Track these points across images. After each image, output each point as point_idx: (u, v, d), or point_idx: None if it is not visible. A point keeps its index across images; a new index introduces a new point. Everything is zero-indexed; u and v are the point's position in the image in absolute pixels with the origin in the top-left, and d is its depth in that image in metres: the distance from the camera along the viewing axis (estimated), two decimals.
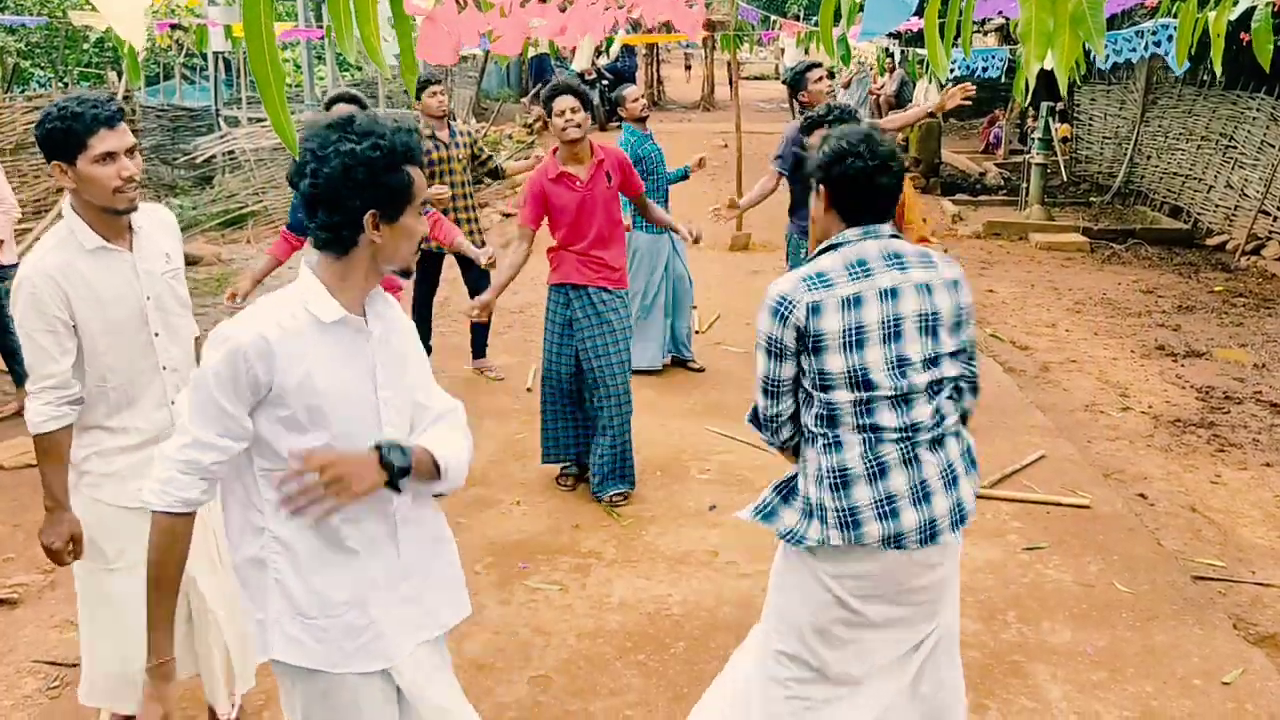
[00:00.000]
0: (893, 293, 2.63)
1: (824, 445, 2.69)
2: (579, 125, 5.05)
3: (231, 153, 13.66)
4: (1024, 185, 13.44)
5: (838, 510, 2.66)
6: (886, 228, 2.70)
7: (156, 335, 3.03)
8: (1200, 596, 4.47)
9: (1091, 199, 14.44)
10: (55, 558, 2.99)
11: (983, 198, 14.70)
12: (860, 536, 2.65)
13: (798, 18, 20.30)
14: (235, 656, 3.30)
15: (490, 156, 7.16)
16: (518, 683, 3.83)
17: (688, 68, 35.82)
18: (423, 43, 5.05)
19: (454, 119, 6.82)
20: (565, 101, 5.05)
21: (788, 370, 2.69)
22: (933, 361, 2.66)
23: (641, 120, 7.13)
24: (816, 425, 2.70)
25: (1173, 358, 7.93)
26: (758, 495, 2.96)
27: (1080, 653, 4.03)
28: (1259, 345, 8.24)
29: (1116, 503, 5.35)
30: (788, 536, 2.78)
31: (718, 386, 7.08)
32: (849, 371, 2.61)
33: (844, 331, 2.60)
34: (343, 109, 4.67)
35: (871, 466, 2.65)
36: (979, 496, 5.30)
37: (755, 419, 2.86)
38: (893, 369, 2.62)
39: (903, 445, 2.64)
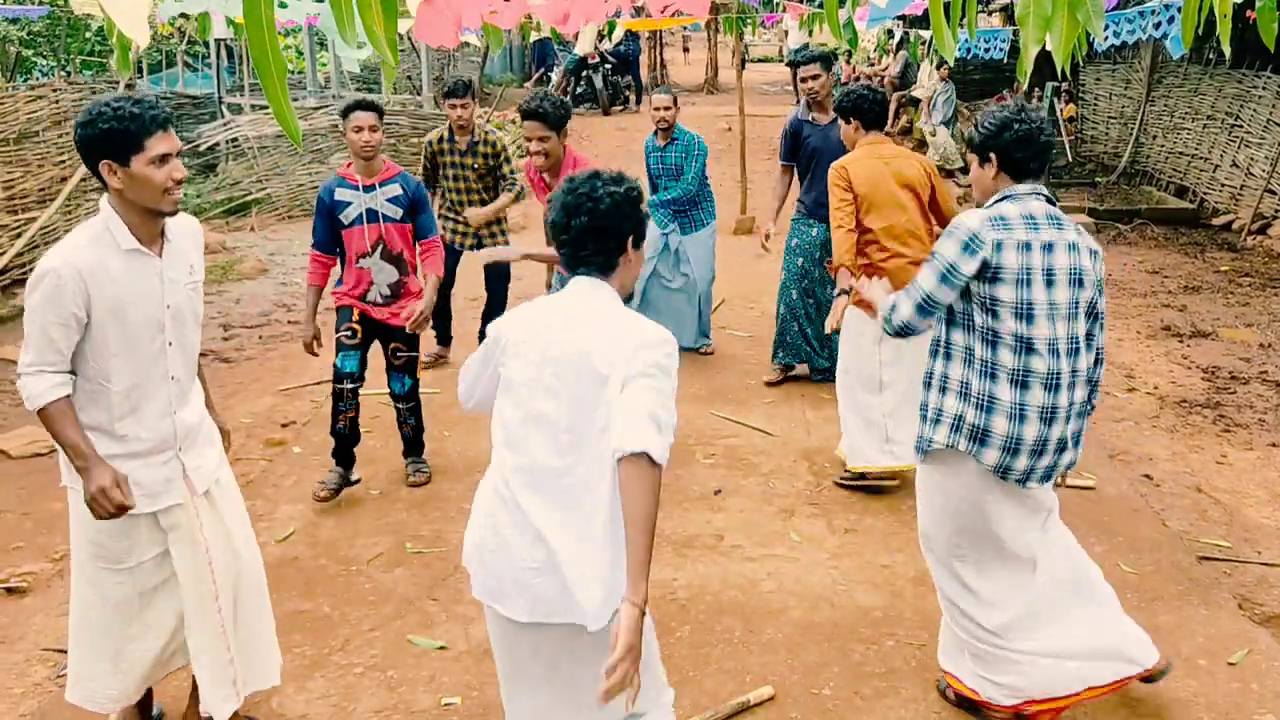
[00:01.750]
0: (1049, 247, 3.17)
1: (980, 371, 3.21)
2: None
3: (235, 140, 13.65)
4: None
5: (973, 425, 3.22)
6: (1044, 189, 3.28)
7: (170, 345, 3.03)
8: (1206, 577, 4.47)
9: (1097, 179, 14.38)
10: (116, 505, 2.87)
11: None
12: (981, 454, 3.21)
13: (801, 0, 20.21)
14: (239, 652, 3.24)
15: (508, 175, 6.77)
16: None
17: (686, 50, 35.65)
18: (421, 25, 5.00)
19: (476, 130, 6.65)
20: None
21: (949, 297, 3.22)
22: (1076, 311, 3.20)
23: (662, 131, 6.96)
24: (981, 350, 3.21)
25: (1179, 338, 7.92)
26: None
27: None
28: (1265, 325, 8.22)
29: (1122, 483, 5.35)
30: (919, 445, 3.37)
31: (723, 371, 7.08)
32: (1016, 303, 3.14)
33: (1018, 269, 3.14)
34: (361, 117, 4.87)
35: (1015, 409, 3.17)
36: None
37: (897, 315, 3.33)
38: (1049, 312, 3.15)
39: (1047, 394, 3.16)
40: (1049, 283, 3.15)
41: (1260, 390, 6.78)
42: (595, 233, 2.57)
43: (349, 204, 4.99)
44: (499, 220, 6.86)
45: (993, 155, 3.28)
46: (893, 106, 19.12)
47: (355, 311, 5.10)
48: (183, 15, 7.62)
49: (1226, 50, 2.50)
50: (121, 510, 2.89)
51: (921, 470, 3.47)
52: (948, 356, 3.31)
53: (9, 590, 4.45)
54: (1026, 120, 3.23)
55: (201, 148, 14.01)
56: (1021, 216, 3.18)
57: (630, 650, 2.19)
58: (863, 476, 5.20)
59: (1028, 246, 3.15)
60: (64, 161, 9.61)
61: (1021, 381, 3.16)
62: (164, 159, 2.85)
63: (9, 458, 5.82)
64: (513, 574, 2.54)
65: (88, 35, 16.28)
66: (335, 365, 5.07)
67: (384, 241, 5.04)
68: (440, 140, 6.72)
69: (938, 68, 15.06)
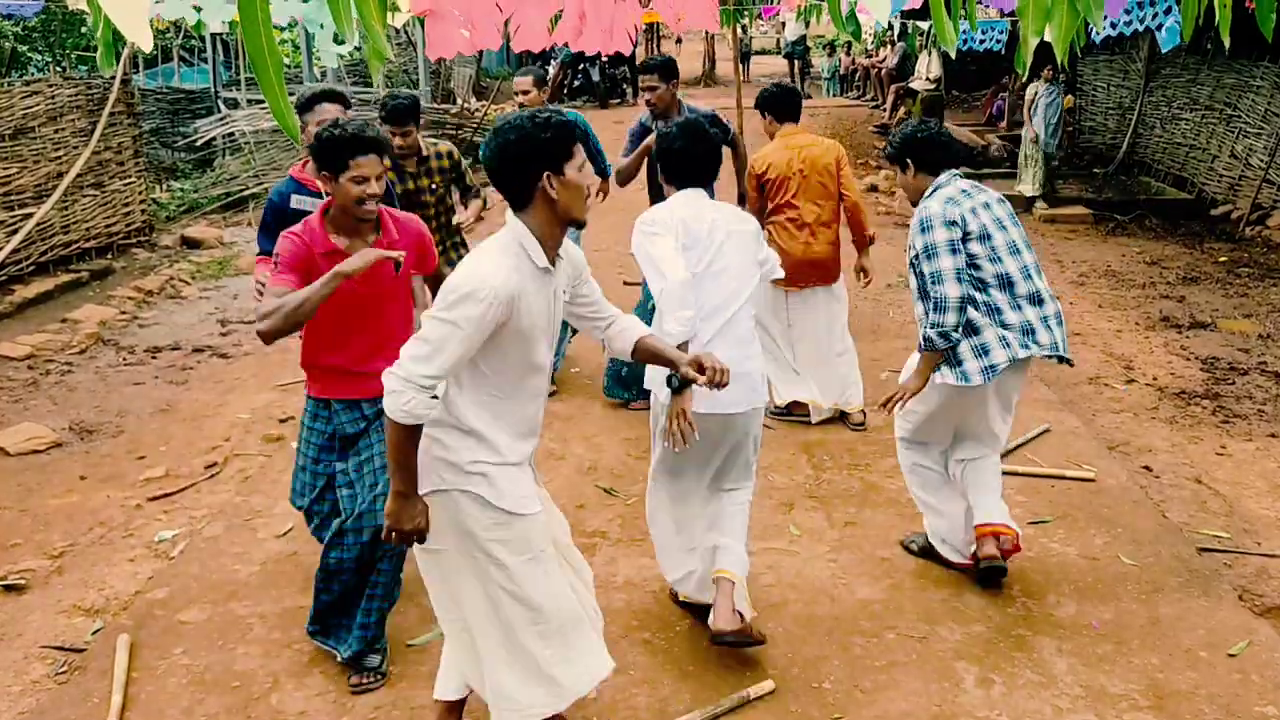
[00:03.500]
0: (986, 205, 4.10)
1: (986, 312, 4.04)
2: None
3: (231, 135, 13.62)
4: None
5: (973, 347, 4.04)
6: (957, 171, 4.19)
7: (540, 366, 2.91)
8: (1206, 568, 4.47)
9: (1095, 170, 14.37)
10: (412, 536, 2.86)
11: (985, 170, 14.62)
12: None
13: None
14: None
15: (473, 184, 5.97)
16: None
17: (678, 41, 35.59)
18: (432, 42, 4.88)
19: (424, 147, 5.63)
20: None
21: (962, 262, 3.97)
22: (1025, 246, 4.10)
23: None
24: (979, 297, 4.04)
25: (1177, 329, 7.91)
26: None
27: (1086, 626, 4.04)
28: (1264, 316, 8.22)
29: (1121, 475, 5.35)
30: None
31: None
32: (989, 254, 4.01)
33: (978, 229, 4.01)
34: (327, 109, 4.22)
35: (1023, 324, 4.04)
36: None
37: (941, 318, 3.98)
38: (1010, 251, 4.04)
39: (1034, 306, 4.06)
40: (1000, 229, 4.06)
41: (1259, 381, 6.78)
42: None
43: (307, 214, 3.94)
44: (457, 230, 5.92)
45: (909, 160, 4.21)
46: (890, 98, 19.10)
47: None
48: (195, 8, 7.56)
49: (1226, 41, 2.48)
50: (419, 534, 2.88)
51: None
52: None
53: (7, 588, 4.44)
54: (925, 128, 4.22)
55: (198, 143, 13.99)
56: (959, 192, 4.09)
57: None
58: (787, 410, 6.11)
59: (974, 211, 4.04)
60: (60, 157, 9.58)
61: (1015, 306, 4.03)
62: (583, 165, 2.85)
63: (6, 454, 5.81)
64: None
65: (83, 30, 16.22)
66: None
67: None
68: (397, 169, 5.57)
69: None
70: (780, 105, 5.88)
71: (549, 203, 2.79)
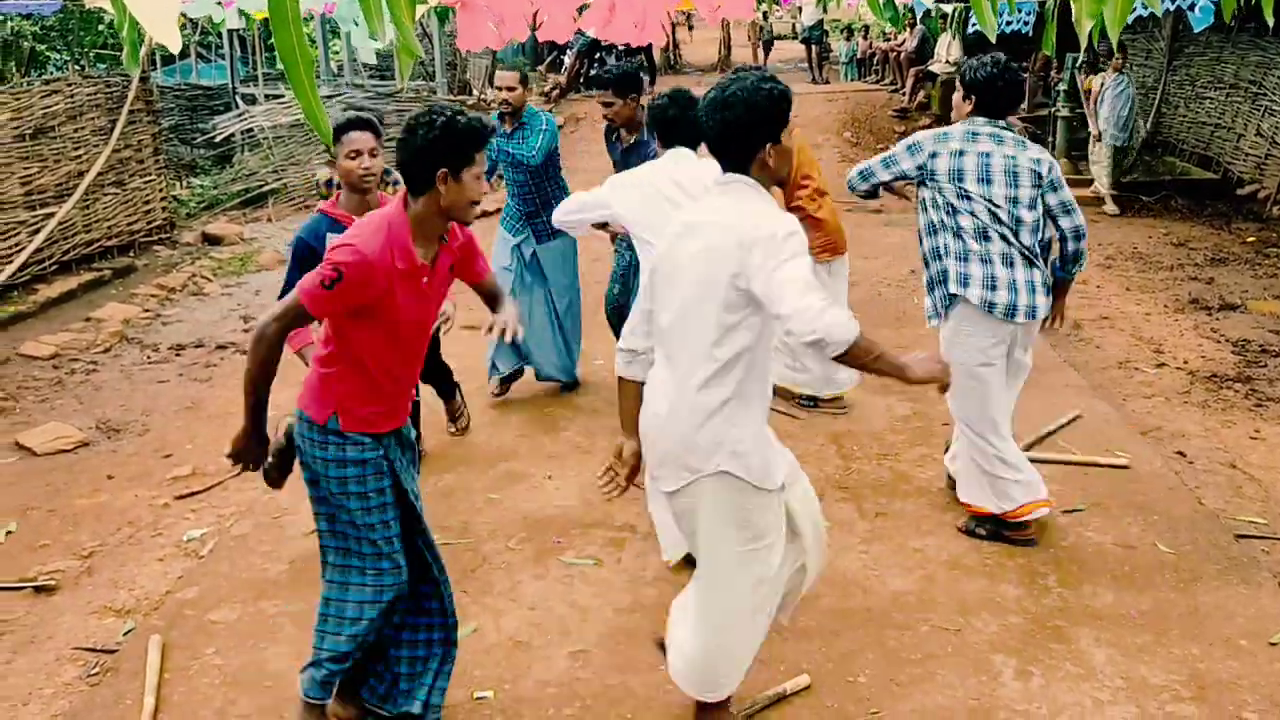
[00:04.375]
0: (985, 154, 4.25)
1: (957, 256, 4.32)
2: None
3: (250, 131, 13.63)
4: (1049, 139, 13.24)
5: (957, 274, 4.33)
6: (1002, 123, 4.35)
7: None
8: (1244, 555, 4.40)
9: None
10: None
11: None
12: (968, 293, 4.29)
13: None
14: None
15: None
16: (556, 658, 3.82)
17: (690, 28, 35.40)
18: (462, 34, 4.84)
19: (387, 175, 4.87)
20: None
21: (881, 175, 4.50)
22: (1014, 203, 4.23)
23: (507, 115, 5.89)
24: (954, 244, 4.33)
25: (1207, 311, 7.82)
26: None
27: (1124, 615, 3.98)
28: None
29: (1155, 461, 5.28)
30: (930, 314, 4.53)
31: None
32: (965, 196, 4.26)
33: (949, 170, 4.27)
34: (355, 138, 3.89)
35: (987, 279, 4.26)
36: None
37: (860, 171, 4.58)
38: (987, 204, 4.23)
39: (1006, 269, 4.26)
40: (985, 181, 4.22)
41: None
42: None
43: None
44: None
45: (973, 96, 4.34)
46: (910, 81, 18.95)
47: None
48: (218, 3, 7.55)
49: (1270, 19, 2.41)
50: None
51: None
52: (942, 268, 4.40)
53: (37, 589, 4.44)
54: (1007, 77, 4.33)
55: (217, 139, 14.00)
56: (964, 134, 4.30)
57: None
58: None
59: (961, 153, 4.26)
60: (80, 156, 9.60)
61: (984, 258, 4.26)
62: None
63: (34, 454, 5.82)
64: None
65: (100, 29, 16.26)
66: None
67: None
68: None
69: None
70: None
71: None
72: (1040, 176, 4.25)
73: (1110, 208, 11.42)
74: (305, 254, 3.98)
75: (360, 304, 2.90)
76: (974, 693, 3.57)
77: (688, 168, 4.26)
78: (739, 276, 2.79)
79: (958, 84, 4.46)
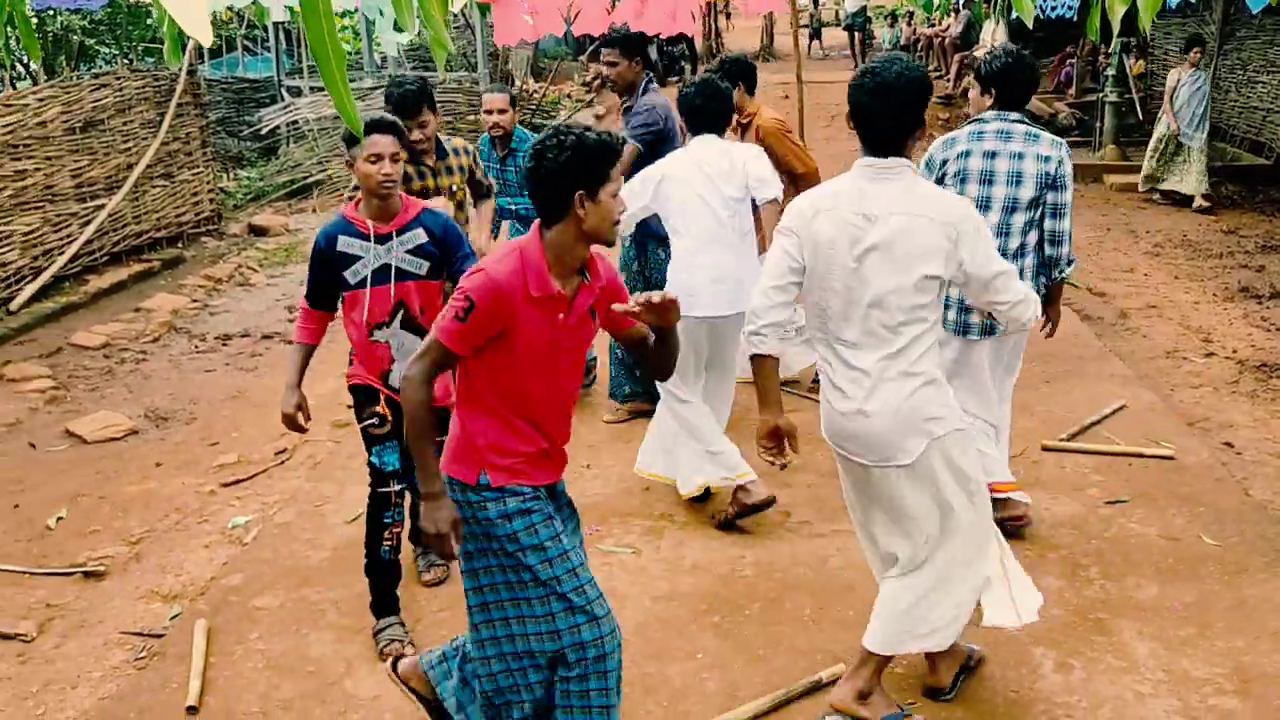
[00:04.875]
0: (991, 154, 4.14)
1: None
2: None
3: (295, 123, 13.78)
4: (1098, 125, 13.06)
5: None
6: (1013, 115, 4.17)
7: None
8: None
9: None
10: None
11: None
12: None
13: None
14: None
15: (477, 178, 5.10)
16: None
17: (727, 16, 35.22)
18: (499, 30, 4.88)
19: (444, 144, 4.86)
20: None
21: None
22: (1013, 205, 4.11)
23: (498, 140, 5.72)
24: None
25: (1257, 300, 7.68)
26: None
27: (1167, 608, 3.93)
28: None
29: (1202, 452, 5.20)
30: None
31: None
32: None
33: (958, 170, 4.19)
34: (379, 142, 3.61)
35: None
36: (1057, 449, 5.21)
37: None
38: (983, 206, 4.06)
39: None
40: (985, 183, 4.12)
41: None
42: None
43: (356, 259, 3.69)
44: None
45: (993, 90, 4.21)
46: (954, 67, 18.74)
47: (380, 393, 3.84)
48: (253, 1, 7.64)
49: None
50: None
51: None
52: None
53: (87, 574, 4.54)
54: (1023, 70, 4.17)
55: (262, 131, 14.16)
56: (969, 134, 4.20)
57: None
58: None
59: (967, 154, 4.17)
60: (129, 149, 9.75)
61: None
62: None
63: (85, 442, 5.93)
64: None
65: (148, 23, 16.47)
66: (371, 464, 3.85)
67: (405, 306, 3.75)
68: (418, 163, 4.74)
69: (1185, 51, 11.21)
70: (750, 78, 5.81)
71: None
72: (1047, 175, 4.09)
73: (1200, 203, 10.71)
74: (314, 254, 3.75)
75: (495, 333, 2.72)
76: (1014, 685, 3.55)
77: (711, 152, 4.58)
78: (945, 260, 2.98)
79: (972, 79, 4.40)
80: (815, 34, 29.16)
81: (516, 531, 2.80)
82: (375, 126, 3.62)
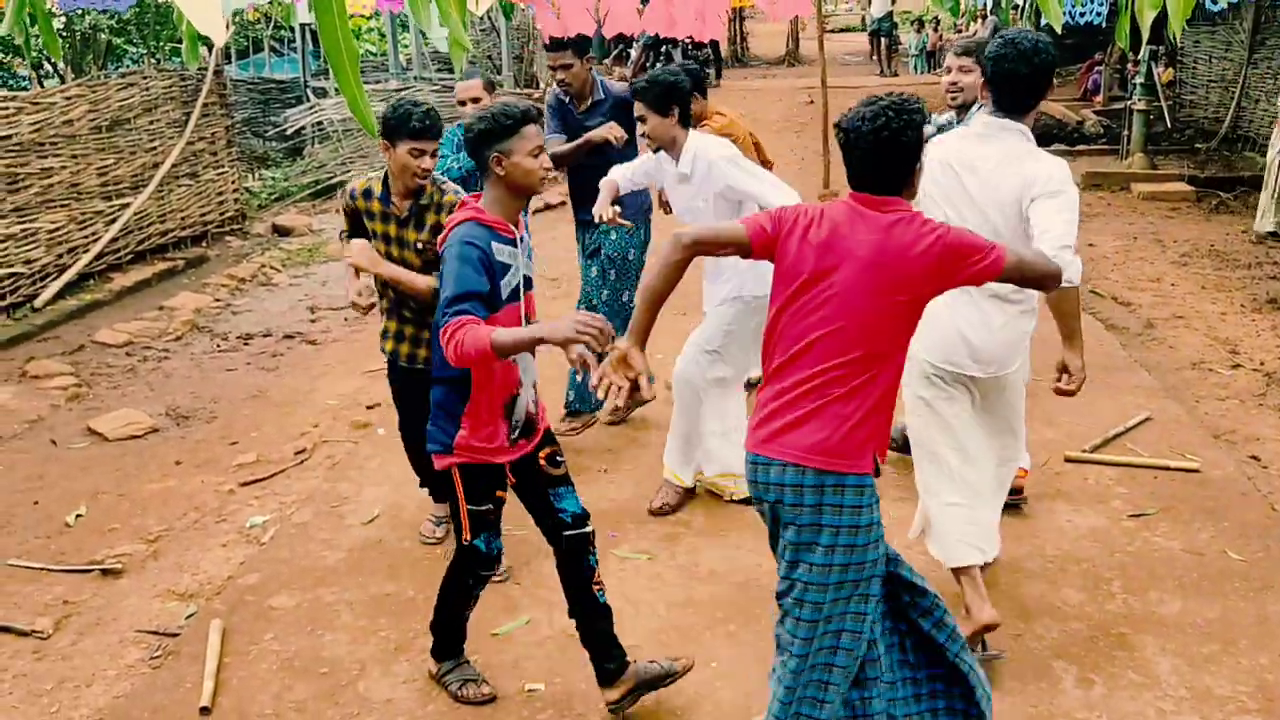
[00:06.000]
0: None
1: None
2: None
3: (320, 124, 13.83)
4: (1125, 133, 12.94)
5: None
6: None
7: None
8: None
9: (1197, 146, 13.84)
10: None
11: (1081, 147, 14.18)
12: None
13: None
14: None
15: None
16: None
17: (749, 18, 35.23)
18: (546, 27, 4.91)
19: (427, 192, 3.99)
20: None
21: None
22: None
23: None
24: None
25: None
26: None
27: (1190, 624, 3.88)
28: None
29: (1228, 465, 5.13)
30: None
31: None
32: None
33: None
34: (535, 133, 3.19)
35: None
36: (1080, 461, 5.16)
37: None
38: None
39: None
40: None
41: None
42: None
43: (508, 268, 3.15)
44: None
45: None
46: None
47: (506, 473, 3.43)
48: (271, 1, 7.70)
49: None
50: None
51: None
52: None
53: (104, 571, 4.54)
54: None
55: (288, 132, 14.23)
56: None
57: None
58: None
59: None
60: (155, 148, 9.80)
61: None
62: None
63: (105, 440, 5.96)
64: None
65: (175, 23, 16.58)
66: (476, 548, 3.43)
67: (528, 320, 3.30)
68: (367, 195, 4.06)
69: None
70: (702, 86, 5.72)
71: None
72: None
73: None
74: (470, 260, 3.03)
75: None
76: (1033, 699, 3.50)
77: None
78: (1026, 204, 3.40)
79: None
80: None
81: (874, 523, 2.95)
82: (526, 117, 3.12)
